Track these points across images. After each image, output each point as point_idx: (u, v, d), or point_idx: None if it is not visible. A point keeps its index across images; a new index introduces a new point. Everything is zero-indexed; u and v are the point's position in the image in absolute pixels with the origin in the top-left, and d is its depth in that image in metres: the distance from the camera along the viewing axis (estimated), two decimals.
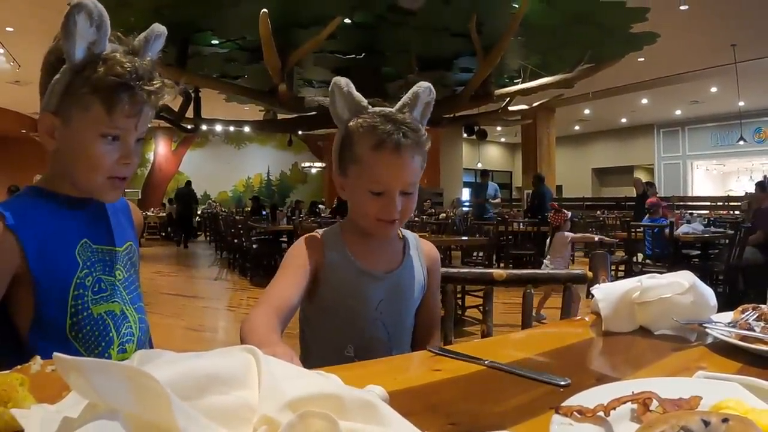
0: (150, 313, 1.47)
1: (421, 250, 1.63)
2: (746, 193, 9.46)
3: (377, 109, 1.45)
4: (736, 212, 13.19)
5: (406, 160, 1.39)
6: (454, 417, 0.76)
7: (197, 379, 0.63)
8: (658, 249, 7.39)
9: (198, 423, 0.56)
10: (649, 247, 7.56)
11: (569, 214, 6.76)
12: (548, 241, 6.52)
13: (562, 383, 0.90)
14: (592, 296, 1.37)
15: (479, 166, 23.68)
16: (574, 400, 0.74)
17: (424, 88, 1.51)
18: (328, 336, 1.48)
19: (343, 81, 1.46)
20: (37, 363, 0.84)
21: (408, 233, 1.65)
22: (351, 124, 1.44)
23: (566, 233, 6.39)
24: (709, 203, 17.74)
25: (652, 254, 7.54)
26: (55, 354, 0.56)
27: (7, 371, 0.78)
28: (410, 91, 1.49)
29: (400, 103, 1.48)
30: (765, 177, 8.28)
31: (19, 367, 0.81)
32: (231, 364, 0.68)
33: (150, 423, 0.55)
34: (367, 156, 1.40)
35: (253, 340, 1.12)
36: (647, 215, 8.30)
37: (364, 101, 1.46)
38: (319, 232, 1.53)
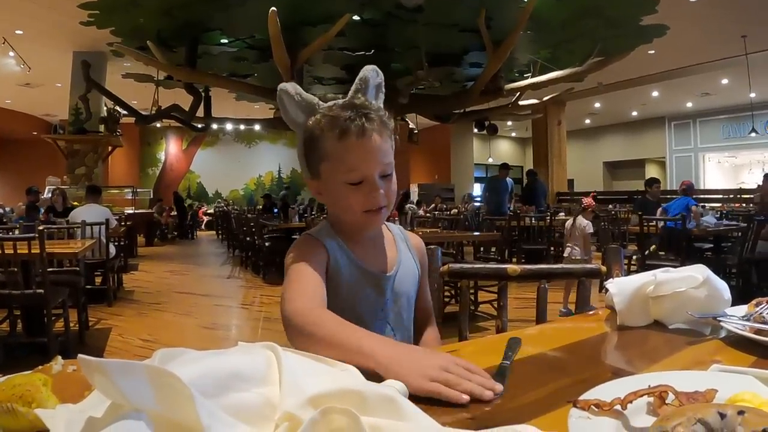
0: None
1: (411, 243, 1.60)
2: (758, 185, 9.39)
3: (330, 102, 1.40)
4: (749, 205, 13.08)
5: (376, 141, 1.33)
6: (472, 410, 0.77)
7: (219, 376, 0.64)
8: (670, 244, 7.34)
9: (221, 420, 0.57)
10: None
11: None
12: (570, 224, 6.49)
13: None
14: (606, 291, 1.37)
15: (490, 161, 23.64)
16: (591, 394, 0.74)
17: (370, 70, 1.46)
18: None
19: (290, 86, 1.42)
20: (58, 363, 0.84)
21: (393, 226, 1.61)
22: (309, 123, 1.39)
23: (586, 221, 6.39)
24: (721, 196, 17.61)
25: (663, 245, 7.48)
26: (80, 356, 0.57)
27: (30, 371, 0.78)
28: (357, 77, 1.44)
29: (351, 91, 1.43)
30: None
31: (40, 367, 0.82)
32: (252, 361, 0.69)
33: (174, 421, 0.56)
34: (334, 148, 1.33)
35: (350, 332, 1.04)
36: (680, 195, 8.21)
37: (315, 99, 1.42)
38: (312, 234, 1.45)
